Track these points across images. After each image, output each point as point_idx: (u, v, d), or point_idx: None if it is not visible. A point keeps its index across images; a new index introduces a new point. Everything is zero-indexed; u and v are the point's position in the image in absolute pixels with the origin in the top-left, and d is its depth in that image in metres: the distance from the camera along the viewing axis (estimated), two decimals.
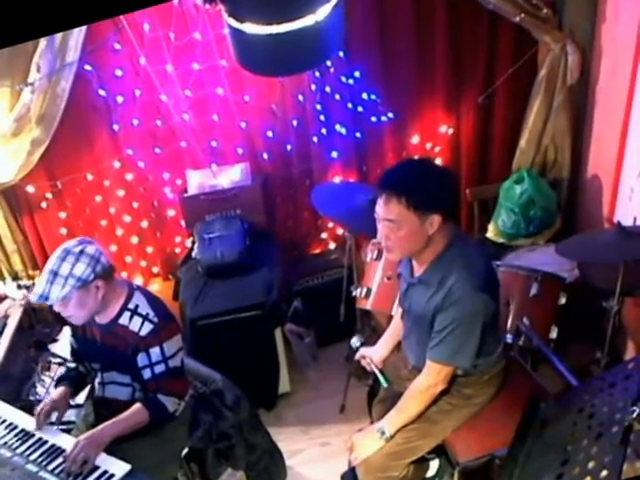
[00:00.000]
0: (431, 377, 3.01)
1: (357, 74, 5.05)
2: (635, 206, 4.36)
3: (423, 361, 3.04)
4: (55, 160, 4.94)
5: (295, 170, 5.38)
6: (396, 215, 2.79)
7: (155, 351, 3.08)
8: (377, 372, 3.46)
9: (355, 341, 3.76)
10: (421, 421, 3.10)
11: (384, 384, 3.42)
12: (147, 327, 3.08)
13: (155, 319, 3.11)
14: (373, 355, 3.55)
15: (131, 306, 3.15)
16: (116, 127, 4.95)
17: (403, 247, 2.91)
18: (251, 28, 2.93)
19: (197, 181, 5.13)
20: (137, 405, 3.13)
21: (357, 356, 3.66)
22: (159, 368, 3.10)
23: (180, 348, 3.21)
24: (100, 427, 3.04)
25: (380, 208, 2.85)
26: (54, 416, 3.25)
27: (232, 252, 4.80)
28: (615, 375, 2.39)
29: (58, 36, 4.35)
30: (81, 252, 3.00)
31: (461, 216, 5.46)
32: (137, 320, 3.11)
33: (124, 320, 3.14)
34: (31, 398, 3.75)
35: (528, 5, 4.61)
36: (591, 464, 2.00)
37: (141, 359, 3.10)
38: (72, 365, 3.58)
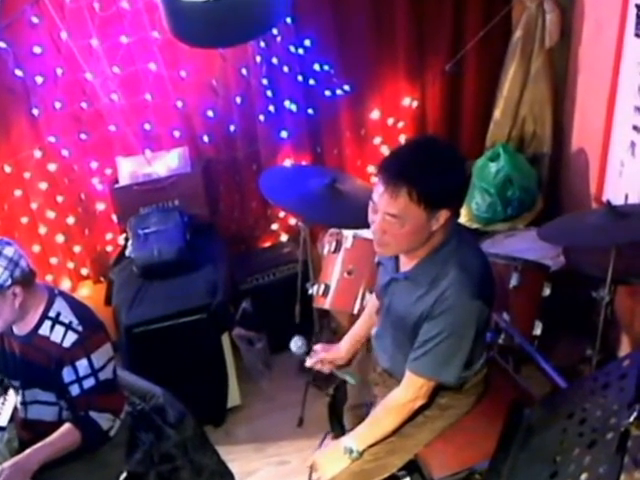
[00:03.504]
0: (411, 391, 2.95)
1: (307, 43, 5.02)
2: (626, 182, 4.37)
3: (398, 366, 3.02)
4: None
5: (240, 154, 5.34)
6: (401, 210, 2.67)
7: (82, 364, 3.07)
8: (342, 375, 3.43)
9: (297, 345, 3.54)
10: (391, 435, 3.06)
11: (352, 382, 3.39)
12: (71, 337, 3.06)
13: (79, 328, 3.09)
14: (336, 356, 3.51)
15: (52, 314, 3.13)
16: (36, 111, 4.86)
17: (401, 244, 2.82)
18: None
19: (129, 170, 5.08)
20: (66, 425, 3.13)
21: (309, 363, 3.54)
22: (88, 382, 3.09)
23: (111, 358, 3.20)
24: (26, 452, 3.04)
25: (381, 199, 2.72)
26: None
27: (171, 249, 4.76)
28: (608, 374, 2.39)
29: None
30: None
31: None
32: (59, 330, 3.09)
33: (44, 330, 3.11)
34: None
35: None
36: (584, 476, 1.99)
37: (67, 374, 3.08)
38: None
